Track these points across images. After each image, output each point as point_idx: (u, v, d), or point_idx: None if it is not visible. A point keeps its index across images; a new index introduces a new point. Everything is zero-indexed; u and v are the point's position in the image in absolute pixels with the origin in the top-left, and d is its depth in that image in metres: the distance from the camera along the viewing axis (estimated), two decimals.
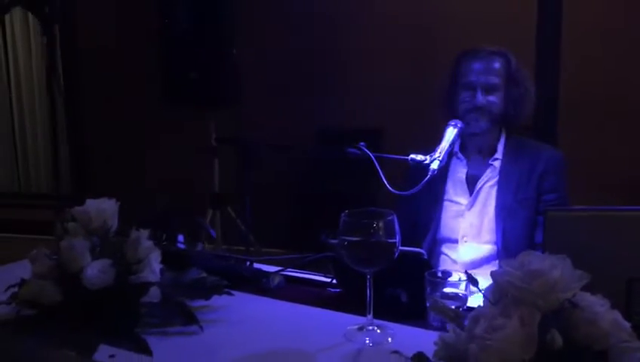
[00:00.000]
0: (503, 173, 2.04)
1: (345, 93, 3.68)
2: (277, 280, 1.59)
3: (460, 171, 2.10)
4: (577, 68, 3.11)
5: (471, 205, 2.06)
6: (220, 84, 3.40)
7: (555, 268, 0.78)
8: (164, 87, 3.49)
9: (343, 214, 1.09)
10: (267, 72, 3.74)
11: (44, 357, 0.97)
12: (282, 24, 3.75)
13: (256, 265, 1.68)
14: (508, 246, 1.96)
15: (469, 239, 2.04)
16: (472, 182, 2.09)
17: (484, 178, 2.06)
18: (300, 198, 3.69)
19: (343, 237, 1.08)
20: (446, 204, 2.09)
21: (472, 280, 0.90)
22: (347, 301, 1.38)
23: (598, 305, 0.78)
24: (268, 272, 1.59)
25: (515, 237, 1.95)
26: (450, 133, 1.86)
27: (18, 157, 4.98)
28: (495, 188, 2.04)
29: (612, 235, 0.99)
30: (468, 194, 2.07)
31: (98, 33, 4.25)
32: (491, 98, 2.00)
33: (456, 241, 2.04)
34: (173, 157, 3.95)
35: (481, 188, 2.05)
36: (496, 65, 2.01)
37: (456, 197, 2.09)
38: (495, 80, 2.00)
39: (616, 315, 0.79)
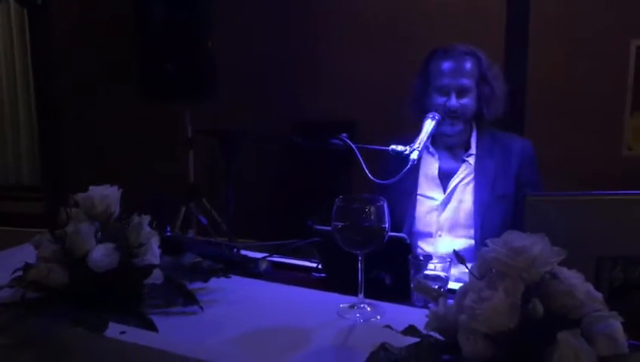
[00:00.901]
0: (478, 169, 2.07)
1: (319, 87, 3.75)
2: (264, 265, 1.66)
3: (431, 166, 2.12)
4: (543, 63, 3.24)
5: (446, 202, 2.08)
6: (195, 77, 3.43)
7: (536, 245, 0.87)
8: (140, 79, 3.50)
9: (337, 200, 1.16)
10: (242, 64, 3.79)
11: (56, 335, 1.02)
12: (258, 17, 3.80)
13: (243, 252, 1.75)
14: (486, 239, 2.03)
15: (445, 233, 2.07)
16: (445, 178, 2.11)
17: (459, 174, 2.09)
18: (277, 189, 3.75)
19: (337, 221, 1.15)
20: (419, 198, 2.12)
21: (458, 258, 0.98)
22: (332, 285, 1.46)
23: (574, 278, 0.87)
24: (255, 258, 1.67)
25: (493, 231, 1.97)
26: (429, 125, 1.93)
27: None
28: (471, 185, 2.07)
29: (583, 218, 1.09)
30: (442, 190, 2.10)
31: (73, 24, 4.22)
32: (464, 101, 2.03)
33: (431, 235, 2.08)
34: (149, 149, 3.97)
35: (456, 185, 2.08)
36: (468, 65, 2.03)
37: (429, 192, 2.12)
38: (467, 82, 2.02)
39: (590, 287, 0.88)
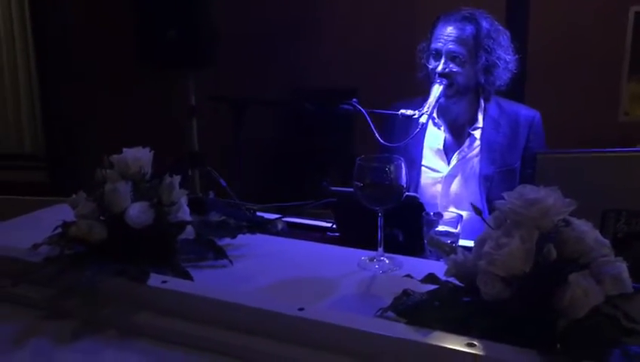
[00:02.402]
0: (484, 143, 2.07)
1: (320, 53, 3.79)
2: (280, 225, 1.74)
3: (437, 138, 2.13)
4: (542, 29, 3.29)
5: (451, 175, 2.10)
6: (197, 44, 3.45)
7: (550, 197, 0.95)
8: (141, 46, 3.51)
9: (358, 159, 1.23)
10: (244, 31, 3.81)
11: (101, 286, 1.10)
12: None
13: (258, 213, 1.83)
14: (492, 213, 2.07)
15: (449, 205, 2.08)
16: (450, 151, 2.12)
17: (464, 148, 2.10)
18: (282, 154, 3.82)
19: (359, 179, 1.23)
20: (424, 169, 2.14)
21: (475, 210, 1.06)
22: (346, 244, 1.53)
23: (584, 226, 0.95)
24: (272, 219, 1.74)
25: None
26: (437, 89, 1.98)
27: None
28: (477, 159, 2.07)
29: (590, 174, 1.17)
30: (446, 163, 2.12)
31: None
32: (454, 67, 2.00)
33: (436, 208, 2.08)
34: (152, 118, 4.01)
35: (462, 158, 2.09)
36: (466, 32, 2.00)
37: (433, 164, 2.13)
38: (457, 48, 1.99)
39: (598, 234, 0.96)
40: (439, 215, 1.54)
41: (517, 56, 2.08)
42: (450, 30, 2.01)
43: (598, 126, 3.30)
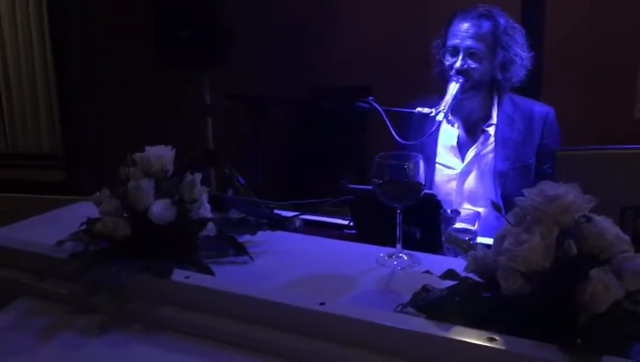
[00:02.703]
0: (499, 140, 2.08)
1: (334, 52, 3.80)
2: (298, 223, 1.76)
3: (451, 135, 2.15)
4: (558, 26, 3.28)
5: (466, 171, 2.11)
6: (212, 43, 3.48)
7: (570, 193, 0.95)
8: (158, 46, 3.55)
9: (376, 157, 1.25)
10: (258, 30, 3.83)
11: (126, 282, 1.12)
12: None
13: (276, 211, 1.85)
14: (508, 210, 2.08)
15: (463, 202, 2.09)
16: (464, 148, 2.14)
17: (477, 145, 2.11)
18: (299, 151, 3.84)
19: (378, 176, 1.24)
20: (438, 166, 2.15)
21: (495, 207, 1.07)
22: (363, 241, 1.55)
23: (604, 222, 0.96)
24: (290, 216, 1.76)
25: (514, 202, 2.04)
26: (453, 87, 1.99)
27: (5, 117, 4.99)
28: (492, 155, 2.09)
29: (609, 170, 1.18)
30: (460, 160, 2.13)
31: None
32: (472, 63, 2.02)
33: (450, 204, 2.10)
34: (168, 116, 4.04)
35: (476, 154, 2.11)
36: (481, 28, 2.02)
37: (447, 161, 2.15)
38: (475, 45, 2.01)
39: (618, 230, 0.96)
40: (457, 212, 1.55)
41: (532, 53, 2.08)
42: (467, 27, 2.03)
43: (614, 123, 3.28)
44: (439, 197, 2.14)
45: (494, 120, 2.11)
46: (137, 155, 1.28)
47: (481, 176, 2.11)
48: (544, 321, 0.91)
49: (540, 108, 2.13)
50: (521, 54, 2.06)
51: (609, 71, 3.31)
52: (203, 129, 3.73)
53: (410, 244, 1.38)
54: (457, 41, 2.04)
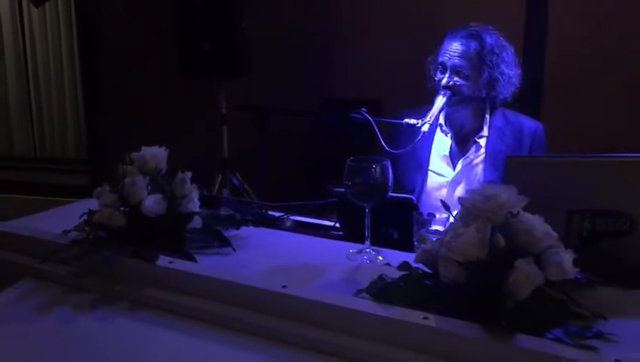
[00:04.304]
0: (489, 152, 2.18)
1: (347, 66, 3.95)
2: (288, 223, 1.89)
3: (444, 144, 2.26)
4: (561, 43, 3.36)
5: (456, 180, 2.22)
6: (230, 56, 3.65)
7: (504, 193, 1.07)
8: (179, 58, 3.73)
9: (348, 160, 1.37)
10: (274, 44, 3.99)
11: (116, 265, 1.26)
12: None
13: (270, 212, 1.98)
14: None
15: (453, 209, 2.21)
16: (456, 157, 2.24)
17: (468, 155, 2.22)
18: (304, 160, 3.99)
19: (348, 178, 1.37)
20: (430, 173, 2.26)
21: (444, 206, 1.19)
22: (348, 241, 1.66)
23: (534, 220, 1.06)
24: (280, 216, 1.89)
25: None
26: (440, 100, 2.11)
27: (34, 123, 5.24)
28: (482, 166, 2.19)
29: (557, 177, 1.28)
30: (451, 168, 2.23)
31: (119, 5, 4.49)
32: (458, 80, 2.13)
33: (440, 209, 2.22)
34: (187, 125, 4.22)
35: (467, 164, 2.21)
36: (467, 48, 2.12)
37: (439, 168, 2.25)
38: (460, 63, 2.12)
39: (549, 228, 1.07)
40: (432, 215, 1.66)
41: (520, 70, 2.18)
42: (455, 46, 2.14)
43: (618, 142, 3.33)
44: (430, 203, 2.27)
45: (485, 132, 2.22)
46: (134, 154, 1.43)
47: (470, 185, 2.20)
48: (476, 306, 1.02)
49: (530, 123, 2.23)
50: (509, 73, 2.16)
51: (613, 89, 3.37)
52: (219, 137, 3.89)
53: (387, 244, 1.50)
54: (445, 58, 2.15)
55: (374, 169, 1.35)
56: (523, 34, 3.25)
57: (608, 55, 3.36)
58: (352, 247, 1.44)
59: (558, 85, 3.35)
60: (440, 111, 2.10)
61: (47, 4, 4.74)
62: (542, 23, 3.31)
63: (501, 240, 1.03)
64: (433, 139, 2.26)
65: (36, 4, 4.38)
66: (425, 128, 2.02)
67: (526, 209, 1.08)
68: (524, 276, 0.99)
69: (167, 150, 1.46)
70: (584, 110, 3.36)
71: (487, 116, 2.24)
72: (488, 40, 2.13)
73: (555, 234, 1.07)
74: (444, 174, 2.26)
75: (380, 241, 1.48)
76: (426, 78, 2.38)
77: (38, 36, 5.01)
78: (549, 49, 3.32)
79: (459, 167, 2.23)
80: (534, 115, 2.79)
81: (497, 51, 2.13)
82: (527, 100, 3.08)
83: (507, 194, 1.07)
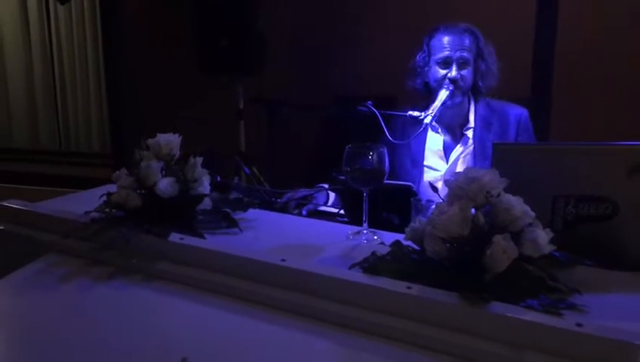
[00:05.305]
0: (477, 142, 2.29)
1: (357, 63, 4.03)
2: (304, 211, 2.00)
3: (436, 141, 2.36)
4: (571, 40, 3.41)
5: (449, 173, 2.30)
6: (246, 53, 3.76)
7: (486, 175, 1.16)
8: (198, 55, 3.86)
9: (347, 147, 1.47)
10: (288, 41, 4.09)
11: (133, 241, 1.38)
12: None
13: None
14: None
15: None
16: (449, 151, 2.35)
17: (458, 148, 2.33)
18: (315, 152, 4.10)
19: (347, 164, 1.46)
20: (425, 169, 2.36)
21: (432, 188, 1.28)
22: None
23: (514, 201, 1.15)
24: (287, 200, 2.00)
25: None
26: (443, 94, 2.20)
27: (59, 118, 5.41)
28: (471, 158, 2.30)
29: (542, 164, 1.36)
30: (445, 162, 2.34)
31: (141, 5, 4.63)
32: (464, 72, 2.25)
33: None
34: (205, 119, 4.35)
35: (457, 157, 2.32)
36: (467, 41, 2.25)
37: (433, 163, 2.36)
38: (467, 55, 2.24)
39: (527, 208, 1.16)
40: (430, 201, 1.75)
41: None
42: (455, 39, 2.25)
43: (628, 131, 3.38)
44: (427, 197, 2.34)
45: (472, 124, 2.32)
46: (150, 141, 1.55)
47: None
48: (458, 279, 1.11)
49: (515, 111, 2.32)
50: (496, 64, 2.30)
51: (623, 85, 3.41)
52: (236, 131, 4.01)
53: (388, 230, 1.59)
54: (448, 52, 2.25)
55: (371, 155, 1.45)
56: (533, 34, 3.30)
57: (618, 53, 3.40)
58: (352, 230, 1.54)
59: (568, 83, 3.40)
60: (443, 105, 2.18)
61: (72, 2, 4.91)
62: (552, 20, 3.36)
63: (481, 218, 1.12)
64: (426, 136, 2.36)
65: (62, 1, 4.53)
66: (427, 120, 2.11)
67: (513, 194, 1.16)
68: (501, 250, 1.08)
69: (181, 136, 1.56)
70: (595, 107, 3.40)
71: (472, 107, 2.33)
72: (479, 34, 2.27)
73: (532, 214, 1.15)
74: (438, 168, 2.36)
75: (381, 227, 1.57)
76: None
77: (63, 33, 5.17)
78: (558, 45, 3.37)
79: (451, 160, 2.33)
80: (545, 112, 2.87)
81: (487, 45, 2.28)
82: (537, 98, 3.17)
83: (489, 177, 1.16)
